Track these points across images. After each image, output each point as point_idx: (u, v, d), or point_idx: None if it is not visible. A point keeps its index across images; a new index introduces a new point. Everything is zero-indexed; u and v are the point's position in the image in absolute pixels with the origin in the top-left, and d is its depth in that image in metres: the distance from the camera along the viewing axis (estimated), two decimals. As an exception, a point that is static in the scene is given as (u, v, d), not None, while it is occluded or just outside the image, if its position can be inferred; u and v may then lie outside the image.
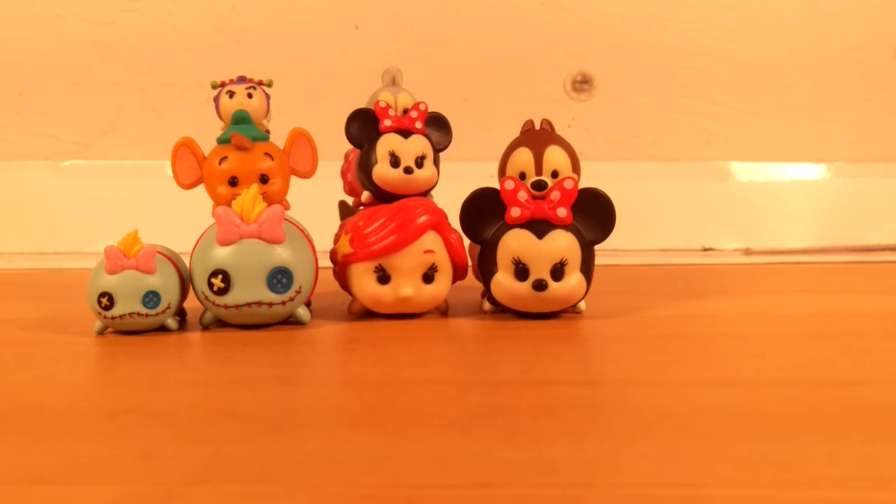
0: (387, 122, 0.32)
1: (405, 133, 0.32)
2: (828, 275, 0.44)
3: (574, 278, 0.30)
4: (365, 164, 0.32)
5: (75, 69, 0.60)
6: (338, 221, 0.35)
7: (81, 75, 0.60)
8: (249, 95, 0.32)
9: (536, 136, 0.32)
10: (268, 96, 0.32)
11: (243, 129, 0.31)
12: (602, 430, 0.18)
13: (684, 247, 0.60)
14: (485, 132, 0.59)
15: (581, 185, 0.31)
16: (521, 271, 0.30)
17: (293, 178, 0.32)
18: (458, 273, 0.32)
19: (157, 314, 0.29)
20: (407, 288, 0.31)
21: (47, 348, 0.28)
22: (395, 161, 0.31)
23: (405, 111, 0.33)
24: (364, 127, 0.32)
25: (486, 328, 0.30)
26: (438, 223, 0.31)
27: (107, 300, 0.28)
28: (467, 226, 0.31)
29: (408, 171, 0.31)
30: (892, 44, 0.56)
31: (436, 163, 0.33)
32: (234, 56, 0.60)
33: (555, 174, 0.31)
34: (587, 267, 0.30)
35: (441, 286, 0.31)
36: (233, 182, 0.31)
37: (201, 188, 0.32)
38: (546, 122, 0.33)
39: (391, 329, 0.30)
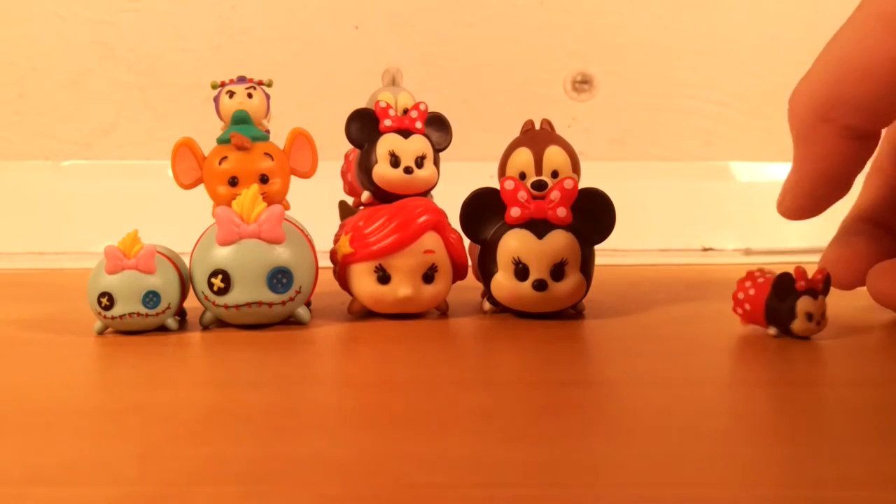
0: (387, 122, 0.32)
1: (405, 133, 0.32)
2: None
3: (574, 278, 0.30)
4: (365, 164, 0.32)
5: (75, 69, 0.60)
6: (338, 221, 0.35)
7: (81, 75, 0.60)
8: (249, 95, 0.32)
9: (536, 136, 0.32)
10: (268, 96, 0.32)
11: (243, 129, 0.31)
12: (602, 430, 0.18)
13: (684, 247, 0.60)
14: (485, 132, 0.59)
15: (581, 185, 0.31)
16: (521, 271, 0.30)
17: (293, 178, 0.32)
18: (458, 273, 0.32)
19: (157, 314, 0.29)
20: (407, 288, 0.31)
21: (47, 348, 0.28)
22: (395, 161, 0.31)
23: (405, 111, 0.33)
24: (364, 127, 0.32)
25: (486, 328, 0.30)
26: (438, 223, 0.31)
27: (107, 300, 0.28)
28: (467, 226, 0.31)
29: (408, 171, 0.31)
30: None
31: (436, 163, 0.33)
32: (234, 56, 0.60)
33: (555, 174, 0.31)
34: (587, 267, 0.30)
35: (441, 286, 0.31)
36: (233, 182, 0.31)
37: (201, 188, 0.32)
38: (546, 122, 0.33)
39: (391, 329, 0.30)
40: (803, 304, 0.26)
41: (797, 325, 0.26)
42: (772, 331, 0.27)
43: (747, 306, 0.27)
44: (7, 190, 0.60)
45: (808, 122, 0.26)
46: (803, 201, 0.28)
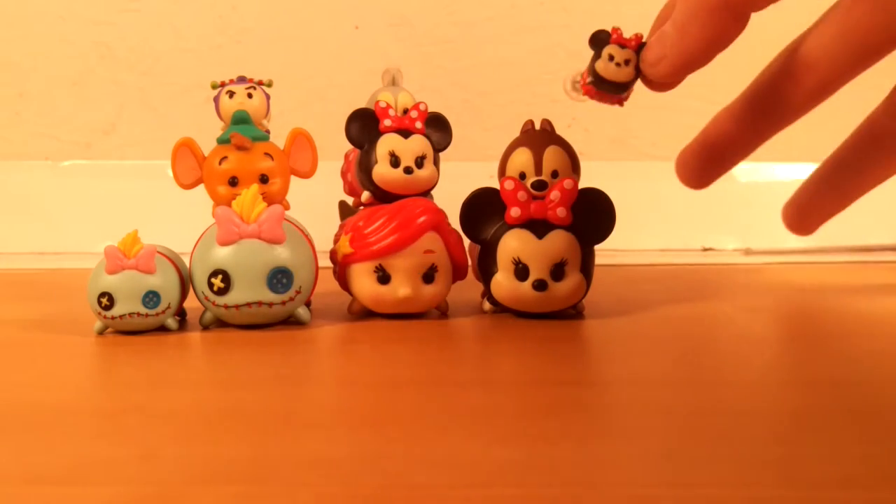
0: (387, 122, 0.32)
1: (405, 133, 0.32)
2: (828, 275, 0.44)
3: (574, 278, 0.30)
4: (365, 164, 0.32)
5: (75, 69, 0.60)
6: (338, 221, 0.35)
7: (81, 75, 0.60)
8: (249, 95, 0.32)
9: (536, 136, 0.32)
10: (268, 96, 0.32)
11: (243, 129, 0.31)
12: (602, 430, 0.18)
13: (684, 247, 0.60)
14: (485, 132, 0.59)
15: (581, 185, 0.31)
16: (521, 271, 0.30)
17: (293, 178, 0.32)
18: (458, 273, 0.32)
19: (157, 314, 0.29)
20: (407, 288, 0.31)
21: (47, 348, 0.28)
22: (395, 161, 0.31)
23: (405, 111, 0.33)
24: (364, 127, 0.32)
25: (486, 328, 0.30)
26: (438, 223, 0.31)
27: (107, 300, 0.28)
28: (467, 226, 0.31)
29: (408, 171, 0.31)
30: (892, 44, 0.56)
31: (436, 163, 0.33)
32: (234, 56, 0.60)
33: (555, 174, 0.31)
34: (587, 267, 0.30)
35: (441, 286, 0.31)
36: (233, 182, 0.31)
37: (201, 188, 0.32)
38: (546, 122, 0.33)
39: (391, 329, 0.30)
40: (609, 49, 0.30)
41: (599, 64, 0.30)
42: (589, 79, 0.30)
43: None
44: (7, 190, 0.60)
45: (709, 5, 0.26)
46: (678, 69, 0.28)
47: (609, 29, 0.30)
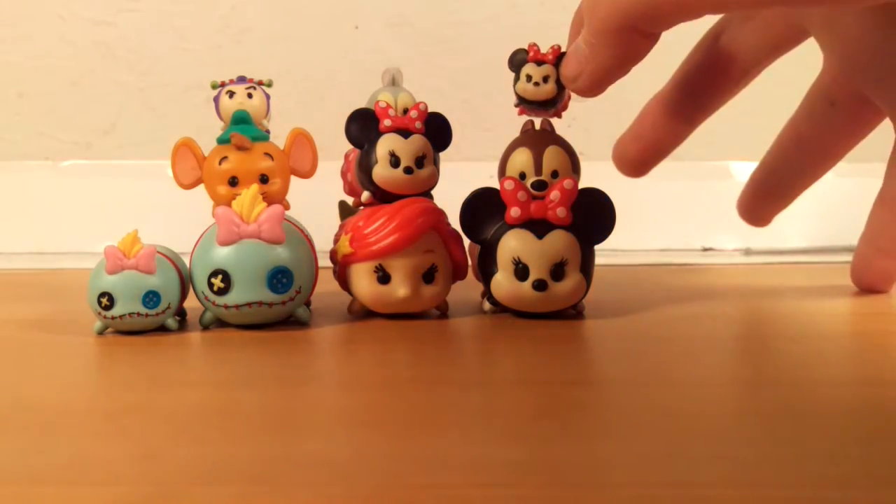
0: (387, 122, 0.32)
1: (405, 133, 0.32)
2: (828, 275, 0.44)
3: (574, 278, 0.30)
4: (365, 164, 0.32)
5: (75, 69, 0.60)
6: (338, 221, 0.35)
7: (81, 75, 0.60)
8: (249, 95, 0.32)
9: (536, 136, 0.32)
10: (268, 96, 0.32)
11: (243, 129, 0.31)
12: (602, 430, 0.18)
13: (684, 247, 0.60)
14: (485, 132, 0.59)
15: (581, 185, 0.31)
16: (520, 271, 0.30)
17: (293, 178, 0.32)
18: (458, 273, 0.32)
19: (157, 314, 0.29)
20: (407, 288, 0.31)
21: (47, 348, 0.28)
22: (395, 161, 0.31)
23: (405, 111, 0.33)
24: (364, 127, 0.32)
25: (486, 328, 0.30)
26: (438, 223, 0.31)
27: (107, 300, 0.28)
28: (467, 226, 0.31)
29: (408, 171, 0.31)
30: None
31: (436, 163, 0.33)
32: (234, 56, 0.60)
33: (555, 174, 0.31)
34: (587, 267, 0.30)
35: (441, 286, 0.31)
36: (233, 182, 0.31)
37: (201, 188, 0.32)
38: (546, 122, 0.33)
39: (391, 329, 0.30)
40: (526, 69, 0.30)
41: (519, 86, 0.30)
42: (515, 101, 0.31)
43: None
44: (7, 190, 0.60)
45: (613, 27, 0.26)
46: (597, 84, 0.29)
47: (526, 46, 0.30)
